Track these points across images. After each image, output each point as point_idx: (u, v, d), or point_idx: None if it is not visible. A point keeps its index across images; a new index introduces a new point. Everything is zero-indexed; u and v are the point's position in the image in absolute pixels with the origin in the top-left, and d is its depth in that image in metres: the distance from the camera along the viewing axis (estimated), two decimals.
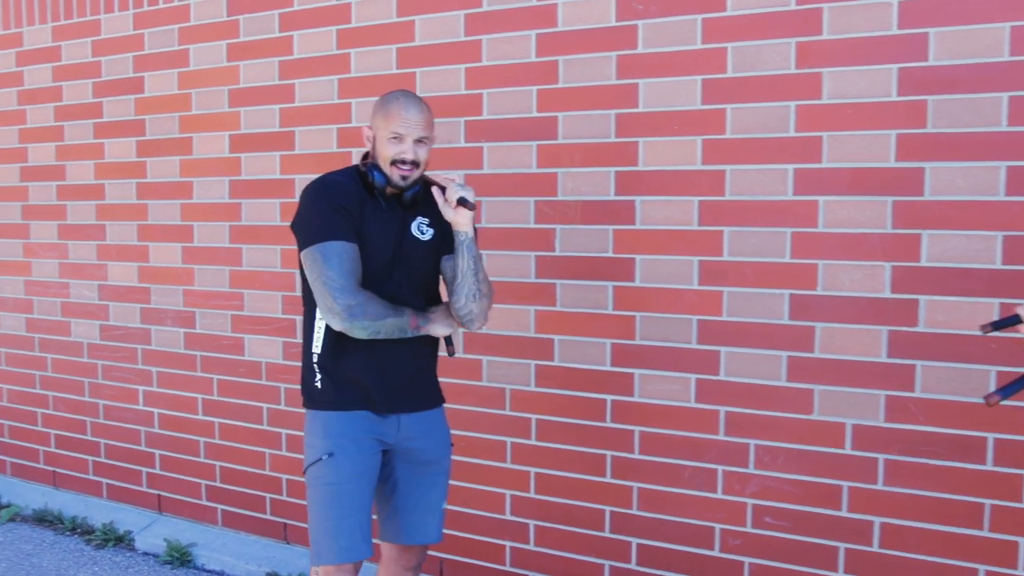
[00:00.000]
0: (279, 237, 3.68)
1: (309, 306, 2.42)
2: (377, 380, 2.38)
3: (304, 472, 2.42)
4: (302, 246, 2.31)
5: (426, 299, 2.49)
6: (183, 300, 4.02)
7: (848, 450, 2.73)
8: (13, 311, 4.65)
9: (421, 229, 2.44)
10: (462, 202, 2.29)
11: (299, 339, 3.58)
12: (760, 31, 2.74)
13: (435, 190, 2.37)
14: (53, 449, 4.59)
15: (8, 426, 4.76)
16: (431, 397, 2.56)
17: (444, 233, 2.44)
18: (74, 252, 4.38)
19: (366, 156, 2.44)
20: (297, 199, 2.44)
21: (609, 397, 3.08)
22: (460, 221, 2.32)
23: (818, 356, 2.75)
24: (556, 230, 3.11)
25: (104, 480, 4.41)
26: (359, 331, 2.24)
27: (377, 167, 2.35)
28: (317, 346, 2.39)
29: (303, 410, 2.50)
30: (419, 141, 2.33)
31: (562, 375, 3.15)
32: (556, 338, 3.15)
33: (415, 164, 2.34)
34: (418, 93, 3.27)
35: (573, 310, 3.11)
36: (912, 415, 2.64)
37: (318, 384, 2.41)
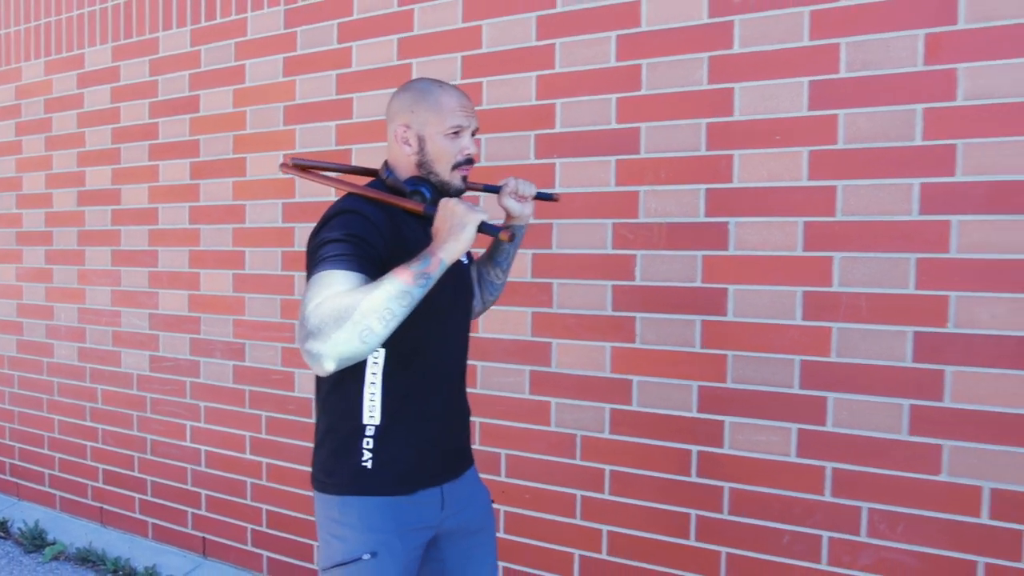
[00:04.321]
0: None
1: (350, 367, 1.87)
2: (440, 442, 1.95)
3: (325, 568, 1.89)
4: (307, 276, 1.75)
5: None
6: (233, 331, 3.76)
7: (985, 519, 2.28)
8: (67, 339, 4.49)
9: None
10: (544, 196, 2.08)
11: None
12: (883, 22, 2.35)
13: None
14: (101, 485, 4.38)
15: (58, 459, 4.57)
16: (470, 452, 2.14)
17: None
18: (127, 279, 4.18)
19: (384, 169, 1.96)
20: None
21: (695, 448, 2.68)
22: (527, 213, 2.08)
23: (949, 406, 2.31)
24: (637, 256, 2.74)
25: (150, 519, 4.16)
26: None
27: (424, 180, 1.89)
28: (373, 415, 1.87)
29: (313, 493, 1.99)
30: (474, 134, 1.93)
31: (641, 421, 2.76)
32: (635, 379, 2.77)
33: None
34: (485, 105, 2.99)
35: (655, 347, 2.73)
36: None
37: (367, 464, 1.87)
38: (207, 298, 3.85)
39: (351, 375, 1.87)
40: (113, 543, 4.22)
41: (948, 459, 2.32)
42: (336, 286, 1.60)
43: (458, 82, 3.04)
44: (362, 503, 1.86)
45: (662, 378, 2.72)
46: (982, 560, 2.29)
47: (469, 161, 1.90)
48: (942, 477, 2.33)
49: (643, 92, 2.71)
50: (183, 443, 3.99)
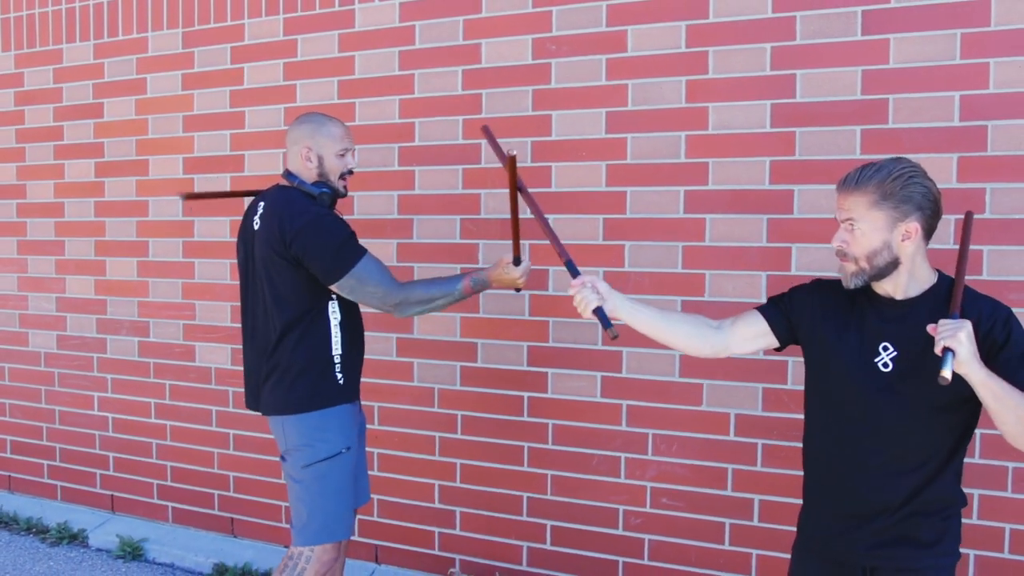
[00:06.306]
0: (229, 252, 3.98)
1: (316, 312, 2.61)
2: (360, 366, 2.80)
3: (309, 465, 2.60)
4: (342, 273, 2.55)
5: None
6: (138, 311, 4.29)
7: (732, 436, 3.11)
8: None
9: None
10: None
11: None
12: (656, 70, 3.14)
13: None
14: (8, 455, 4.78)
15: None
16: None
17: None
18: (33, 267, 4.62)
19: (288, 176, 2.73)
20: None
21: (526, 394, 3.43)
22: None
23: None
24: (479, 244, 3.46)
25: (59, 483, 4.63)
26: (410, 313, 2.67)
27: (326, 184, 2.70)
28: (337, 347, 2.64)
29: (287, 415, 2.63)
30: (354, 153, 2.78)
31: (484, 375, 3.50)
32: (479, 342, 3.50)
33: None
34: (356, 122, 3.64)
35: (494, 316, 3.47)
36: (785, 404, 3.02)
37: (340, 380, 2.67)
38: (113, 283, 4.36)
39: (319, 320, 2.62)
40: (23, 506, 4.64)
41: (707, 393, 3.14)
42: (381, 267, 2.60)
43: (334, 102, 3.69)
44: (338, 412, 2.65)
45: (500, 340, 3.47)
46: (731, 467, 3.12)
47: (350, 172, 2.76)
48: (703, 407, 3.15)
49: (483, 115, 3.42)
50: (91, 412, 4.48)
